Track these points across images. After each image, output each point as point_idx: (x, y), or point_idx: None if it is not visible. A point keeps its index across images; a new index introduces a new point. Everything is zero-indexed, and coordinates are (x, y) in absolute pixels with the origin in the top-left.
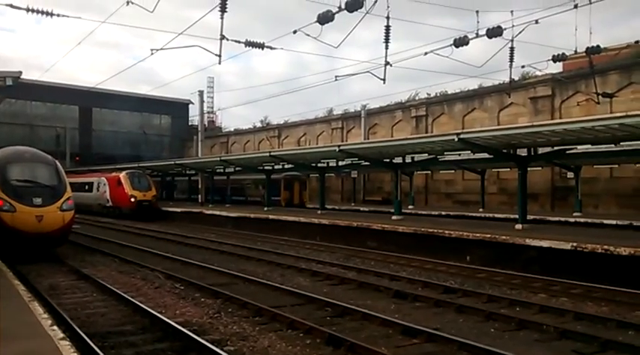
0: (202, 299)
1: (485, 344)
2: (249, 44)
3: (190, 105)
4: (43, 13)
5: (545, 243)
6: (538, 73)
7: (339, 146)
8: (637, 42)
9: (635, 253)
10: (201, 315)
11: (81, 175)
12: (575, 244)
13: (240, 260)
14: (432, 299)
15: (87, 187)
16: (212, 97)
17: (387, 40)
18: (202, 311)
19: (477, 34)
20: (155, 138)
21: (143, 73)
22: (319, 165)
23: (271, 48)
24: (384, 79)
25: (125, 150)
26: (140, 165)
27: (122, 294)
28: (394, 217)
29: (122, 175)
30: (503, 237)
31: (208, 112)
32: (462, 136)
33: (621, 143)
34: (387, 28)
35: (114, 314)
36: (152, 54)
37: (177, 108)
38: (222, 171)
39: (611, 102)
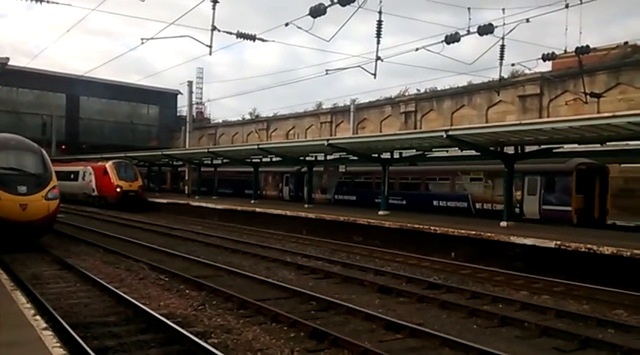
0: (187, 291)
1: (468, 340)
2: (241, 36)
3: (179, 96)
4: None
5: (529, 241)
6: (527, 72)
7: (327, 140)
8: (626, 43)
9: (618, 253)
10: (185, 307)
11: (67, 164)
12: (559, 243)
13: (225, 252)
14: (415, 295)
15: (73, 176)
16: (201, 88)
17: (378, 35)
18: (187, 303)
19: (468, 31)
20: (143, 128)
21: (134, 62)
22: (307, 158)
23: (263, 40)
24: (374, 74)
25: (112, 139)
26: (127, 155)
27: (106, 285)
28: (381, 212)
29: (108, 165)
30: (488, 234)
31: (197, 103)
32: (450, 133)
33: (607, 143)
34: (379, 22)
35: (97, 304)
36: (142, 43)
37: (165, 99)
38: (209, 162)
39: (598, 102)
